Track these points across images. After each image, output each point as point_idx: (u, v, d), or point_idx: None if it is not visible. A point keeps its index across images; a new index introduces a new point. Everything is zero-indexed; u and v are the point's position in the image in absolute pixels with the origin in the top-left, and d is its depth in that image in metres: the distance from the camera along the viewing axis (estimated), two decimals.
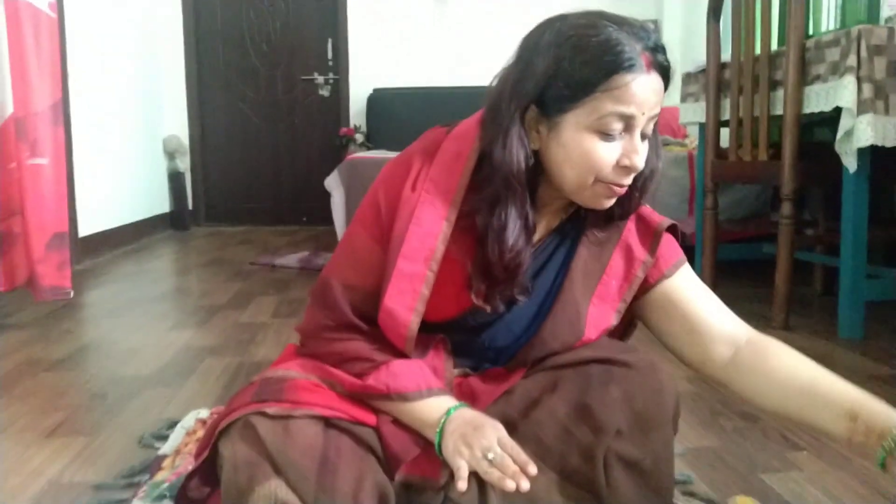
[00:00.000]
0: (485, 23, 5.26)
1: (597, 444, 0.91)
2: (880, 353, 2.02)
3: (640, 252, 1.02)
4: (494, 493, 0.89)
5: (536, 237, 1.00)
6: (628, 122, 0.87)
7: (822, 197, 2.89)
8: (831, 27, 2.31)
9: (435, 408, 0.92)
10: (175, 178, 5.20)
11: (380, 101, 5.08)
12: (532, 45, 0.90)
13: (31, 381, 1.80)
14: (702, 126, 2.88)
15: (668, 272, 1.03)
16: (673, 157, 3.53)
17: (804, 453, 1.35)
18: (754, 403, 1.00)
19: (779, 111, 2.31)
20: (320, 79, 5.39)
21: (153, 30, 5.03)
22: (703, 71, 2.82)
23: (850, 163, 2.06)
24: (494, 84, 0.94)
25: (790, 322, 2.30)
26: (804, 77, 2.22)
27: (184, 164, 5.26)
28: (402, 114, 4.93)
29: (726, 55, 2.66)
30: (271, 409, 0.88)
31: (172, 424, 1.48)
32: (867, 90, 1.99)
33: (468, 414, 0.92)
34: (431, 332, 1.00)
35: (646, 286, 1.04)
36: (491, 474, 0.84)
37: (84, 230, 3.69)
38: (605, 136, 0.87)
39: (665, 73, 0.88)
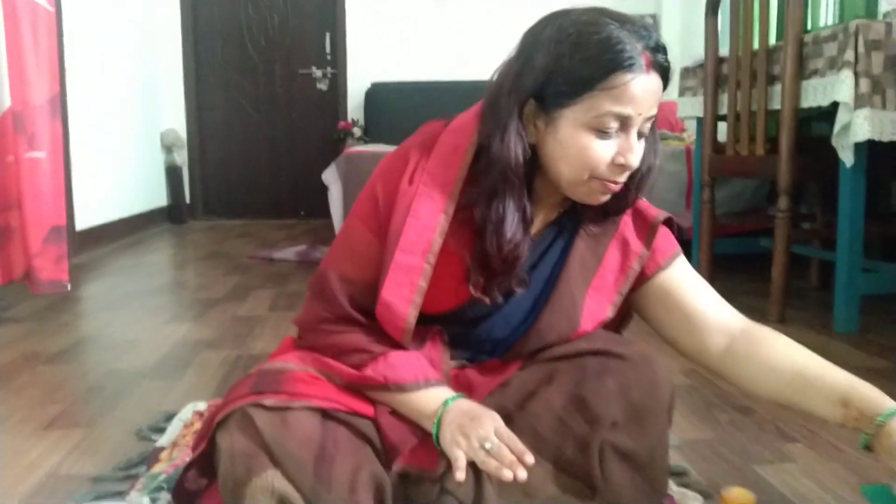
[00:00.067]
0: (483, 17, 5.25)
1: (592, 436, 0.92)
2: (875, 346, 2.03)
3: (636, 245, 1.03)
4: (490, 483, 0.90)
5: (534, 230, 1.01)
6: (625, 122, 0.87)
7: (820, 191, 2.89)
8: (829, 22, 2.31)
9: (432, 398, 0.93)
10: (172, 172, 5.19)
11: (378, 95, 5.08)
12: (533, 39, 0.90)
13: (29, 374, 1.81)
14: (699, 120, 2.88)
15: (664, 264, 1.04)
16: (670, 151, 3.53)
17: (798, 445, 1.36)
18: (749, 391, 1.02)
19: (776, 106, 2.31)
20: (318, 73, 5.38)
21: (151, 24, 5.01)
22: (702, 65, 2.82)
23: (847, 157, 2.06)
24: (495, 77, 0.94)
25: (786, 316, 2.31)
26: (802, 72, 2.22)
27: (181, 157, 5.26)
28: (400, 108, 4.93)
29: (724, 50, 2.66)
30: (269, 401, 0.89)
31: (170, 417, 1.48)
32: (864, 85, 1.99)
33: (465, 405, 0.92)
34: (429, 324, 1.01)
35: (642, 278, 1.05)
36: (488, 464, 0.85)
37: (81, 224, 3.69)
38: (602, 133, 0.88)
39: (665, 73, 0.89)
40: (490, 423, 0.89)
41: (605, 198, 0.94)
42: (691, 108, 2.98)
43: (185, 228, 5.00)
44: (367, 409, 0.94)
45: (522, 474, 0.83)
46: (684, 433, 1.41)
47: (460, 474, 0.85)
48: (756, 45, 2.40)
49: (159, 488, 1.15)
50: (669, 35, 4.71)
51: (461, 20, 5.30)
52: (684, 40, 4.64)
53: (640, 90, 0.85)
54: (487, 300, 0.96)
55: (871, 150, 2.09)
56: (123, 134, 4.45)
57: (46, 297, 2.58)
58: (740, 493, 1.02)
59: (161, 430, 1.42)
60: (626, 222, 1.04)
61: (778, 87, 2.30)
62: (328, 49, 5.36)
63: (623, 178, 0.92)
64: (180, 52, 5.28)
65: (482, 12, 5.27)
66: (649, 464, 0.94)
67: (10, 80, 2.24)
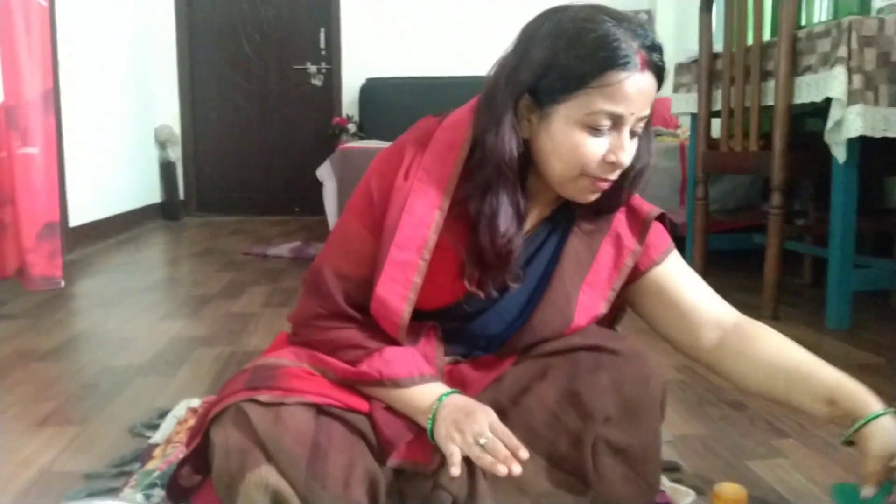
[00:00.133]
0: (479, 13, 5.25)
1: (585, 431, 0.92)
2: (867, 342, 2.04)
3: (629, 241, 1.04)
4: (484, 478, 0.90)
5: (528, 226, 1.01)
6: (617, 120, 0.88)
7: (813, 187, 2.90)
8: (823, 18, 2.32)
9: (427, 394, 0.93)
10: (167, 168, 5.17)
11: (373, 90, 5.07)
12: (531, 34, 0.91)
13: (23, 371, 1.80)
14: (693, 116, 2.89)
15: (657, 259, 1.05)
16: (664, 147, 3.54)
17: (790, 440, 1.37)
18: (740, 386, 1.04)
19: (770, 102, 2.32)
20: (313, 68, 5.37)
21: (146, 19, 4.99)
22: (696, 61, 2.82)
23: (840, 153, 2.07)
24: (492, 72, 0.94)
25: (779, 312, 2.32)
26: (795, 68, 2.22)
27: (175, 153, 5.24)
28: (395, 104, 4.92)
29: (718, 46, 2.66)
30: (263, 397, 0.89)
31: (163, 414, 1.48)
32: (857, 81, 2.00)
33: (460, 400, 0.93)
34: (423, 319, 1.01)
35: (636, 274, 1.05)
36: (483, 459, 0.85)
37: (75, 220, 3.68)
38: (594, 131, 0.88)
39: (659, 72, 0.89)
40: (484, 419, 0.89)
41: (594, 197, 0.95)
42: (685, 104, 2.98)
43: (179, 225, 4.99)
44: (362, 405, 0.94)
45: (517, 469, 0.83)
46: (677, 428, 1.42)
47: (455, 469, 0.85)
48: (750, 41, 2.41)
49: (153, 485, 1.15)
50: (664, 31, 4.71)
51: (456, 15, 5.29)
52: (678, 36, 4.64)
53: (634, 89, 0.86)
54: (482, 294, 0.96)
55: (863, 147, 2.09)
56: (117, 130, 4.43)
57: (40, 294, 2.57)
58: (732, 488, 1.02)
59: (155, 427, 1.42)
60: (620, 218, 1.04)
61: (771, 84, 2.31)
62: (323, 44, 5.35)
63: (614, 176, 0.92)
64: (174, 48, 5.26)
65: (478, 8, 5.26)
66: (642, 459, 0.95)
67: (2, 75, 2.23)
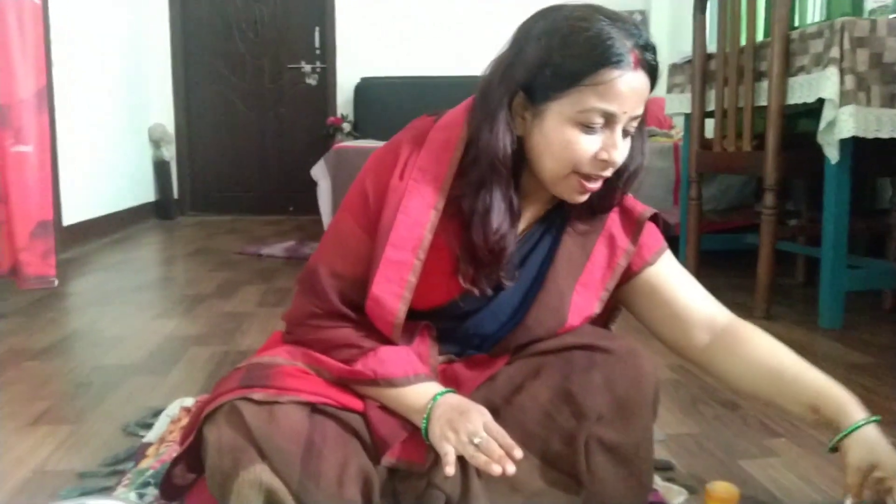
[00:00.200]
0: (474, 12, 5.25)
1: (578, 429, 0.93)
2: (860, 342, 2.04)
3: (622, 241, 1.04)
4: (477, 478, 0.90)
5: (522, 226, 1.01)
6: (609, 119, 0.88)
7: (805, 188, 2.91)
8: (816, 19, 2.33)
9: (422, 393, 0.93)
10: (160, 167, 5.16)
11: (367, 90, 5.06)
12: (526, 32, 0.91)
13: (15, 370, 1.80)
14: (687, 117, 2.90)
15: (651, 259, 1.05)
16: (658, 147, 3.55)
17: (782, 440, 1.38)
18: (730, 386, 1.06)
19: (763, 102, 2.33)
20: (307, 67, 5.36)
21: (139, 18, 4.97)
22: (689, 62, 2.83)
23: (832, 154, 2.08)
24: (488, 70, 0.95)
25: (772, 312, 2.33)
26: (788, 68, 2.23)
27: (169, 152, 5.23)
28: (390, 103, 4.92)
29: (712, 46, 2.67)
30: (257, 395, 0.89)
31: (157, 413, 1.48)
32: (850, 82, 2.01)
33: (454, 399, 0.93)
34: (418, 319, 1.01)
35: (629, 274, 1.05)
36: (477, 458, 0.85)
37: (68, 219, 3.67)
38: (586, 128, 0.88)
39: (653, 72, 0.89)
40: (479, 418, 0.89)
41: (583, 198, 0.95)
42: (679, 104, 2.99)
43: (173, 224, 4.98)
44: (356, 404, 0.95)
45: (511, 469, 0.84)
46: (670, 427, 1.43)
47: (450, 469, 0.85)
48: (743, 42, 2.41)
49: (146, 484, 1.15)
50: (658, 31, 4.72)
51: (451, 15, 5.29)
52: (672, 37, 4.66)
53: (627, 87, 0.86)
54: (476, 291, 0.97)
55: (856, 147, 2.10)
56: (111, 128, 4.42)
57: (33, 293, 2.56)
58: (725, 487, 1.03)
59: (148, 426, 1.41)
60: (613, 219, 1.05)
61: (765, 84, 2.32)
62: (317, 43, 5.34)
63: (606, 174, 0.93)
64: (168, 46, 5.24)
65: (473, 7, 5.26)
66: (634, 457, 0.95)
67: None
